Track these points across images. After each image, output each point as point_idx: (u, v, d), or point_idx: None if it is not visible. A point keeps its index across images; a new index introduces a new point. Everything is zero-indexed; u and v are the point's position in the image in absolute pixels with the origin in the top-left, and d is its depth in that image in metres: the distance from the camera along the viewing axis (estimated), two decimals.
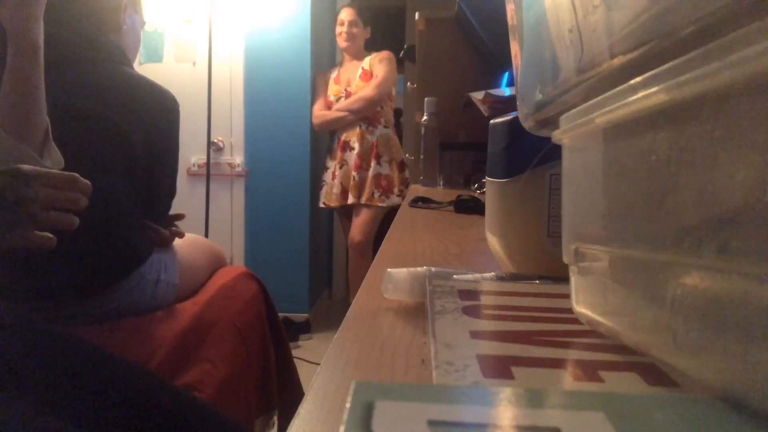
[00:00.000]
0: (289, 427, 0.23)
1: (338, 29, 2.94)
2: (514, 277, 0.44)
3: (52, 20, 1.12)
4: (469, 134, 1.67)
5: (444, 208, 1.08)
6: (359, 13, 2.92)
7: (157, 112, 1.25)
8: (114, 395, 0.74)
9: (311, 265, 3.28)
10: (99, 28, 1.24)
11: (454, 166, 1.64)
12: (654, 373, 0.24)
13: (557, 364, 0.26)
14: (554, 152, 0.42)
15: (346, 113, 2.88)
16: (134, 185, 1.20)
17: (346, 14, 2.92)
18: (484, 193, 0.75)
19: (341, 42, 2.96)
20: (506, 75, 1.49)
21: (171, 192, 1.33)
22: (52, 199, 0.75)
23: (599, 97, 0.26)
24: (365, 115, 2.87)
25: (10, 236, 0.73)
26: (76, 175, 0.78)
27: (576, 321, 0.31)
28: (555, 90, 0.32)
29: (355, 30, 2.91)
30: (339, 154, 2.92)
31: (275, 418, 1.44)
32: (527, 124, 0.40)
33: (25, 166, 0.74)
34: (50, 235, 0.76)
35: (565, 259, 0.33)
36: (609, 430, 0.17)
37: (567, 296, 0.33)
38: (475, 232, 0.81)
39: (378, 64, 2.87)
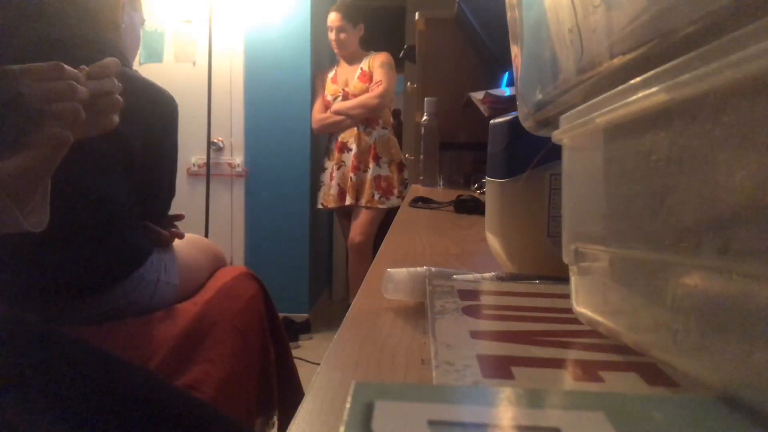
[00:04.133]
0: (289, 427, 0.23)
1: (329, 35, 2.91)
2: (514, 277, 0.44)
3: (47, 18, 1.11)
4: (469, 134, 1.67)
5: (444, 208, 1.07)
6: (345, 16, 2.83)
7: (155, 111, 1.24)
8: (114, 395, 0.74)
9: (311, 265, 3.28)
10: (96, 26, 1.23)
11: (454, 166, 1.64)
12: (654, 373, 0.24)
13: (557, 364, 0.26)
14: (554, 152, 0.42)
15: (345, 117, 2.87)
16: (133, 185, 1.19)
17: (331, 20, 2.86)
18: (484, 193, 0.75)
19: (334, 48, 2.93)
20: (506, 75, 1.49)
21: (170, 192, 1.32)
22: (48, 90, 0.71)
23: (599, 97, 0.26)
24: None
25: (35, 135, 0.69)
26: (60, 62, 0.73)
27: (576, 321, 0.31)
28: (555, 90, 0.32)
29: (342, 36, 2.85)
30: (336, 155, 2.91)
31: (275, 418, 1.44)
32: (527, 124, 0.40)
33: (10, 66, 0.70)
34: (68, 132, 0.71)
35: (565, 259, 0.33)
36: (609, 430, 0.17)
37: (567, 296, 0.33)
38: (475, 232, 0.81)
39: (379, 68, 2.83)
